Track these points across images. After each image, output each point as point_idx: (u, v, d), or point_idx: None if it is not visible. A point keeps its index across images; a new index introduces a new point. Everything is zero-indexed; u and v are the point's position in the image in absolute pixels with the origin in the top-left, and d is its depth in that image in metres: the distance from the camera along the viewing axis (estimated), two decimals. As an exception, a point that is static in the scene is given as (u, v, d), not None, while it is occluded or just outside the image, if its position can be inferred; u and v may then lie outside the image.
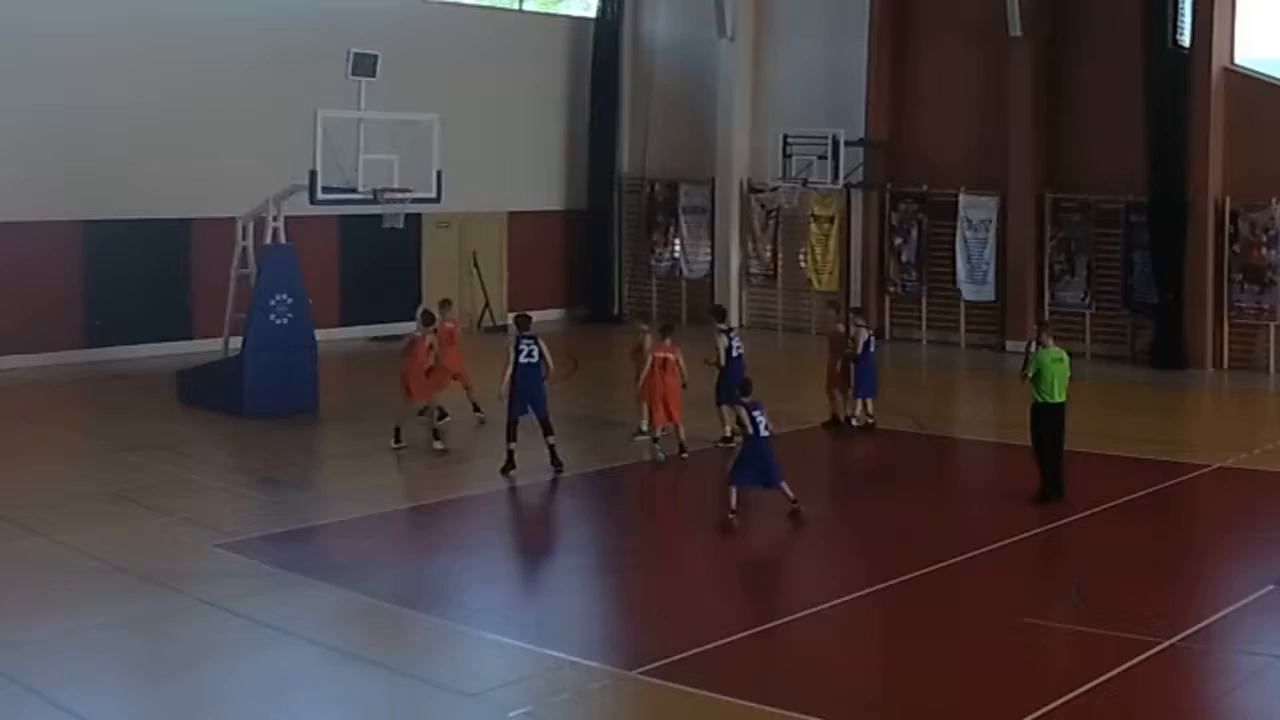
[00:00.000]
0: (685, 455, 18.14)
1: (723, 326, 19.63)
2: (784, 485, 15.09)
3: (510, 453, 17.09)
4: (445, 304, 20.72)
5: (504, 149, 30.41)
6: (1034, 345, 16.05)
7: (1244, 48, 25.29)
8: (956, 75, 28.26)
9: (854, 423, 19.89)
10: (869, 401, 19.94)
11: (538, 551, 14.24)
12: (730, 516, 14.85)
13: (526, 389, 17.17)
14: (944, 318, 28.50)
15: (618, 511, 16.85)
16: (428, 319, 19.21)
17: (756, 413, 15.09)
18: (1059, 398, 15.76)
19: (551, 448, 17.24)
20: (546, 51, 32.12)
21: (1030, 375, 15.75)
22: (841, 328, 20.41)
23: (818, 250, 30.00)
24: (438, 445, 18.52)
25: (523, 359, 17.13)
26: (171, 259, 25.84)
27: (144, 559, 13.68)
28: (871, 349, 19.91)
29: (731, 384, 17.50)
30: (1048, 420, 15.77)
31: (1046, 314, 25.64)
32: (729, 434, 18.25)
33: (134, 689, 10.94)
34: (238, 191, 22.92)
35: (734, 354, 18.96)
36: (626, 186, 32.94)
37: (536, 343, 17.23)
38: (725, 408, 18.31)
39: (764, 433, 15.07)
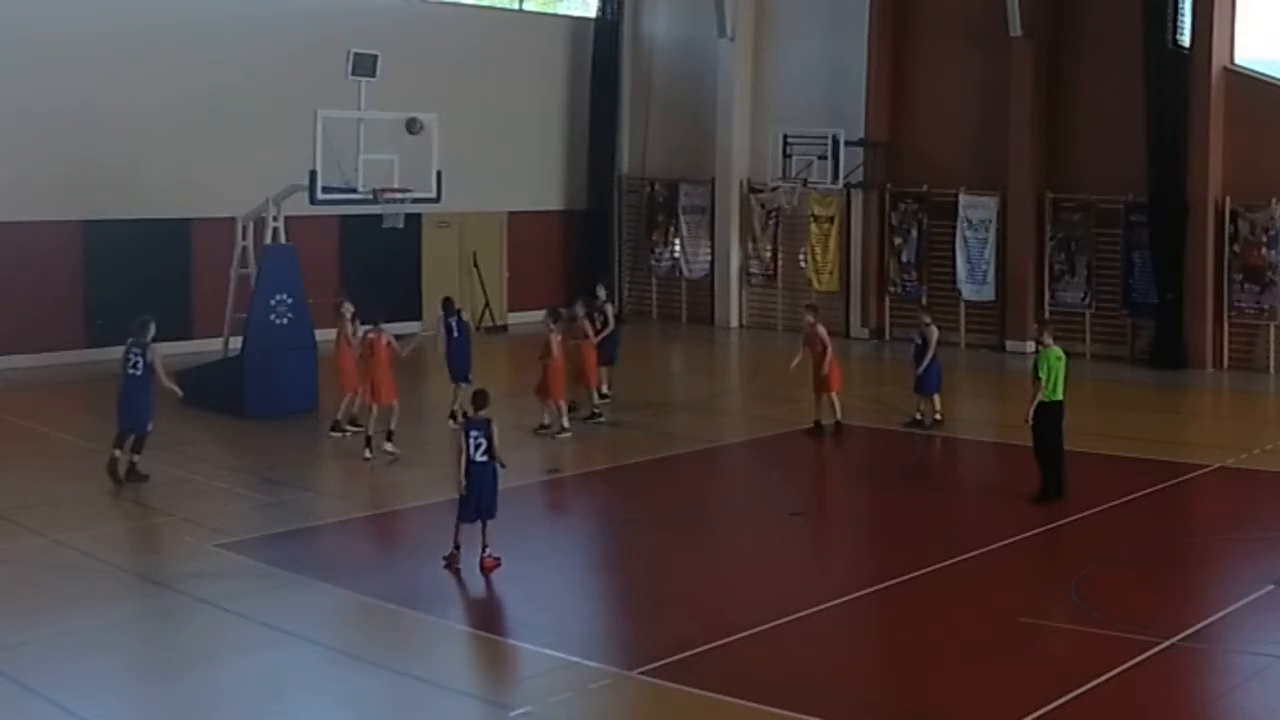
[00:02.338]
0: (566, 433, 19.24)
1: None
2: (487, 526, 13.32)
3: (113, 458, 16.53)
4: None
5: (504, 149, 30.40)
6: (1038, 348, 16.20)
7: (1244, 48, 25.28)
8: (956, 75, 28.24)
9: (919, 417, 20.05)
10: (936, 398, 20.10)
11: (536, 551, 14.21)
12: (455, 550, 13.30)
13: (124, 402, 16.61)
14: (944, 318, 28.27)
15: (615, 511, 16.83)
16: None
17: (475, 433, 13.16)
18: (1060, 395, 15.90)
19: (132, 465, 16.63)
20: (546, 51, 32.11)
21: (1042, 376, 15.82)
22: (819, 329, 20.25)
23: (818, 250, 29.98)
24: (389, 448, 17.92)
25: (128, 369, 16.57)
26: (171, 259, 25.82)
27: (144, 559, 13.69)
28: (932, 346, 20.01)
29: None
30: (1050, 417, 15.89)
31: (1047, 314, 25.64)
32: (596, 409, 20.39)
33: (134, 689, 10.94)
34: (238, 191, 22.94)
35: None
36: (626, 186, 32.93)
37: (145, 353, 16.61)
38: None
39: (479, 458, 13.14)
